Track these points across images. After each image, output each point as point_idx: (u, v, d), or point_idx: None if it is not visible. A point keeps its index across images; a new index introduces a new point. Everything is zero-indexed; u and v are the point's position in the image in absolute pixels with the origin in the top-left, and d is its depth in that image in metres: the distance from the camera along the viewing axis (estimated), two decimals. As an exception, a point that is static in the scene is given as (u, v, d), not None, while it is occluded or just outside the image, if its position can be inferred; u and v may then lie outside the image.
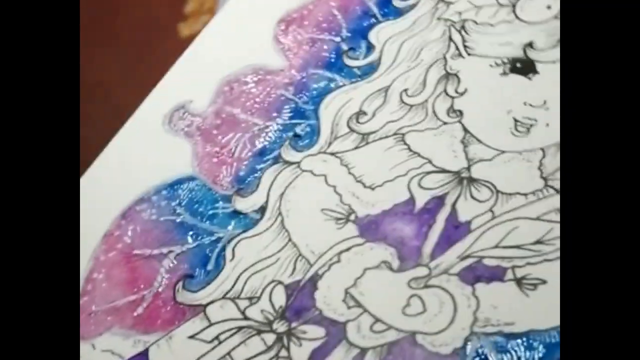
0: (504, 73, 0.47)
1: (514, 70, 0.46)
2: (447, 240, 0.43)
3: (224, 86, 0.51)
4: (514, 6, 0.48)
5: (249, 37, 0.52)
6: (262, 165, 0.48)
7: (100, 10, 0.57)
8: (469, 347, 0.39)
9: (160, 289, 0.46)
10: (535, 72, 0.46)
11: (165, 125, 0.50)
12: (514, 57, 0.47)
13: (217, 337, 0.42)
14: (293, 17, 0.52)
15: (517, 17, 0.48)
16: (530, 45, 0.47)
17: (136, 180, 0.49)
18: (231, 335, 0.42)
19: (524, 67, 0.46)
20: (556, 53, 0.46)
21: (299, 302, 0.43)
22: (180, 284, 0.45)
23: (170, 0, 0.65)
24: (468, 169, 0.45)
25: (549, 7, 0.47)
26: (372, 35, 0.50)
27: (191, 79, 0.51)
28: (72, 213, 0.37)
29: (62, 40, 0.37)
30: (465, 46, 0.48)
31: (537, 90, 0.46)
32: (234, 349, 0.42)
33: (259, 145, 0.49)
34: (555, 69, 0.46)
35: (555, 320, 0.38)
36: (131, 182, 0.49)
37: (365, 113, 0.48)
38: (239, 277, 0.44)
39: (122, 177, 0.49)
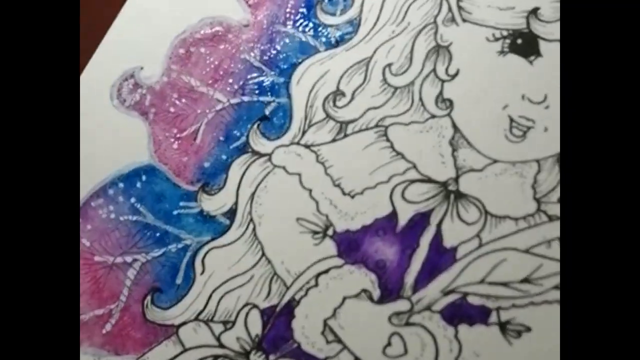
0: (502, 51, 0.61)
1: (513, 48, 0.61)
2: (431, 268, 0.61)
3: (178, 47, 0.67)
4: None
5: None
6: (228, 155, 0.66)
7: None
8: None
9: (127, 303, 0.65)
10: (538, 53, 0.61)
11: (113, 98, 0.67)
12: (515, 28, 0.61)
13: (192, 366, 0.57)
14: None
15: None
16: (534, 13, 0.60)
17: (88, 168, 0.67)
18: None
19: (525, 44, 0.61)
20: None
21: (276, 330, 0.63)
22: (149, 298, 0.64)
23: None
24: (456, 180, 0.61)
25: None
26: None
27: (138, 38, 0.68)
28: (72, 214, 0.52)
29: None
30: (459, 7, 0.62)
31: (538, 80, 0.60)
32: None
33: (223, 129, 0.66)
34: (559, 53, 0.59)
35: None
36: (83, 172, 0.66)
37: (343, 94, 0.64)
38: (211, 295, 0.64)
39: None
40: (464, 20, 0.64)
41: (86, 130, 0.69)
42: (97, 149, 0.69)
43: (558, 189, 0.61)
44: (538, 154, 0.62)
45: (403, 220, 0.64)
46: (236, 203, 0.67)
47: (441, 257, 0.63)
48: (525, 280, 0.61)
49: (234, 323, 0.65)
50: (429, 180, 0.64)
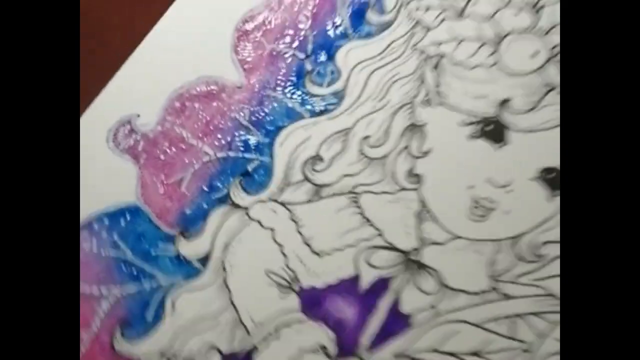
0: (472, 136, 0.60)
1: (482, 133, 0.60)
2: (386, 332, 0.59)
3: (174, 101, 0.65)
4: (497, 45, 0.60)
5: (205, 43, 0.66)
6: (209, 205, 0.63)
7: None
8: None
9: (98, 333, 0.62)
10: (503, 141, 0.60)
11: (109, 141, 0.65)
12: (486, 116, 0.60)
13: (154, 402, 0.56)
14: (255, 22, 0.67)
15: (497, 61, 0.61)
16: (506, 103, 0.60)
17: (81, 201, 0.63)
18: None
19: (493, 131, 0.60)
20: (532, 119, 0.59)
21: None
22: (118, 330, 0.62)
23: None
24: (418, 250, 0.59)
25: (534, 55, 0.61)
26: (340, 57, 0.64)
27: (139, 88, 0.66)
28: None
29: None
30: (437, 91, 0.60)
31: (503, 165, 0.59)
32: None
33: (207, 180, 0.64)
34: (528, 141, 0.59)
35: None
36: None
37: (321, 159, 0.62)
38: (178, 335, 0.61)
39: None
40: (440, 104, 0.63)
41: (81, 167, 0.67)
42: (88, 186, 0.67)
43: (514, 270, 0.61)
44: (498, 234, 0.61)
45: (365, 283, 0.62)
46: (211, 250, 0.64)
47: (397, 323, 0.61)
48: (475, 353, 0.59)
49: None
50: (393, 248, 0.62)
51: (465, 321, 0.59)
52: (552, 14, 0.61)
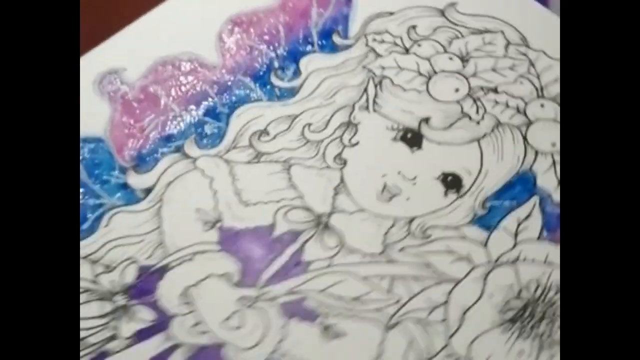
0: (394, 139, 0.71)
1: (403, 138, 0.71)
2: (285, 273, 0.67)
3: (158, 64, 0.75)
4: (429, 78, 0.73)
5: (197, 26, 0.77)
6: (164, 150, 0.72)
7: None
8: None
9: None
10: (419, 147, 0.71)
11: (95, 84, 0.74)
12: (408, 126, 0.71)
13: (67, 291, 0.62)
14: (242, 19, 0.77)
15: (427, 89, 0.73)
16: (426, 120, 0.71)
17: None
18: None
19: (412, 138, 0.71)
20: (444, 136, 0.71)
21: (144, 284, 0.67)
22: None
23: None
24: (329, 215, 0.69)
25: (456, 90, 0.73)
26: (303, 62, 0.75)
27: (132, 48, 0.76)
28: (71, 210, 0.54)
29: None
30: (374, 101, 0.72)
31: (414, 165, 0.70)
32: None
33: (168, 131, 0.73)
34: (437, 150, 0.71)
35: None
36: None
37: (268, 133, 0.72)
38: (104, 244, 0.68)
39: None
40: (375, 111, 0.75)
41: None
42: None
43: (403, 242, 0.70)
44: (396, 213, 0.71)
45: (278, 232, 0.70)
46: (154, 185, 0.72)
47: (296, 267, 0.69)
48: (356, 299, 0.68)
49: (113, 269, 0.69)
50: (308, 209, 0.71)
51: (353, 273, 0.68)
52: (474, 64, 0.76)
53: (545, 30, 0.77)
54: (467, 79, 0.74)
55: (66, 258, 0.53)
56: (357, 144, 0.73)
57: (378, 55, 0.77)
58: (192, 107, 0.76)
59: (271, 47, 0.78)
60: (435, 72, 0.75)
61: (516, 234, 0.70)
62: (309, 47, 0.78)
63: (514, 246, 0.69)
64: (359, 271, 0.69)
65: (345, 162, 0.73)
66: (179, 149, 0.74)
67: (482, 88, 0.74)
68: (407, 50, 0.76)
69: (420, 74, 0.75)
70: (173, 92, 0.76)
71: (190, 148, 0.74)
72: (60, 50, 0.56)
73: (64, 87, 0.56)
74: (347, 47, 0.78)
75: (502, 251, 0.69)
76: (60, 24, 0.56)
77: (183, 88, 0.76)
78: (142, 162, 0.73)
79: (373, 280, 0.68)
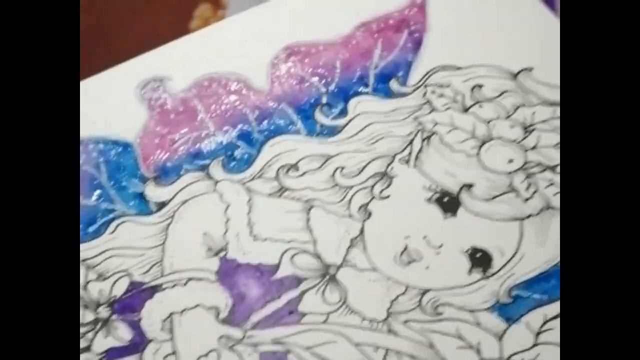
0: (429, 200, 0.64)
1: (438, 201, 0.64)
2: (277, 319, 0.61)
3: (204, 79, 0.71)
4: (483, 143, 0.66)
5: (252, 48, 0.72)
6: (189, 166, 0.68)
7: (101, 28, 0.78)
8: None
9: None
10: (454, 214, 0.64)
11: (138, 88, 0.70)
12: (447, 189, 0.64)
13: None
14: (300, 49, 0.72)
15: (478, 153, 0.65)
16: (469, 187, 0.64)
17: (88, 121, 0.69)
18: None
19: (448, 203, 0.64)
20: (484, 207, 0.63)
21: (131, 301, 0.62)
22: None
23: (176, 17, 0.85)
24: (338, 267, 0.62)
25: (510, 161, 0.65)
26: (352, 103, 0.69)
27: (182, 59, 0.72)
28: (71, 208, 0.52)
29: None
30: (417, 156, 0.65)
31: (444, 232, 0.63)
32: None
33: (197, 148, 0.68)
34: (473, 222, 0.63)
35: None
36: (84, 123, 0.69)
37: (297, 169, 0.66)
38: (104, 251, 0.64)
39: (82, 115, 0.68)
40: (415, 166, 0.68)
41: (106, 96, 0.74)
42: (106, 112, 0.74)
43: (410, 314, 0.63)
44: (409, 281, 0.64)
45: (280, 274, 0.65)
46: (170, 200, 0.68)
47: (289, 316, 0.63)
48: None
49: (105, 278, 0.65)
50: (318, 257, 0.65)
51: (347, 337, 0.62)
52: (537, 137, 0.67)
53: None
54: (525, 151, 0.67)
55: (65, 260, 0.52)
56: (387, 197, 0.67)
57: (433, 109, 0.70)
58: (228, 128, 0.71)
59: (323, 82, 0.73)
60: (491, 138, 0.67)
61: (538, 333, 0.62)
62: (362, 88, 0.72)
63: (533, 346, 0.61)
64: (354, 335, 0.62)
65: (369, 215, 0.66)
66: (203, 168, 0.69)
67: (539, 164, 0.67)
68: (466, 110, 0.70)
69: (474, 137, 0.68)
70: (212, 110, 0.72)
71: (216, 169, 0.69)
72: (59, 51, 0.54)
73: (64, 89, 0.54)
74: (403, 94, 0.72)
75: (518, 349, 0.61)
76: (59, 22, 0.55)
77: (223, 107, 0.72)
78: (164, 175, 0.69)
79: (366, 349, 0.62)
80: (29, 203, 0.51)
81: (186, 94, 0.72)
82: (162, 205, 0.68)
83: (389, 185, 0.67)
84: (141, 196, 0.68)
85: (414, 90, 0.71)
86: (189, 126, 0.71)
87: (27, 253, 0.50)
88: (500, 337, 0.61)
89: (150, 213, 0.68)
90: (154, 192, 0.69)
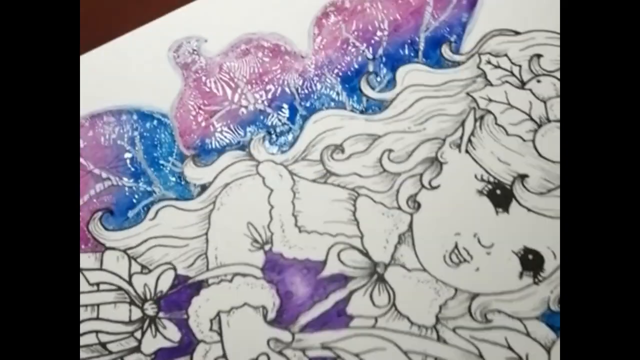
0: (481, 192, 0.60)
1: (490, 194, 0.60)
2: (324, 322, 0.59)
3: (242, 42, 0.66)
4: (540, 126, 0.61)
5: (293, 4, 0.67)
6: (228, 144, 0.64)
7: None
8: None
9: (81, 209, 0.63)
10: (506, 210, 0.60)
11: (171, 51, 0.66)
12: (501, 180, 0.60)
13: (97, 284, 0.62)
14: (344, 6, 0.67)
15: (534, 139, 0.61)
16: (523, 178, 0.60)
17: (119, 89, 0.66)
18: (109, 290, 0.62)
19: (500, 197, 0.60)
20: (540, 203, 0.59)
21: (178, 297, 0.61)
22: (99, 214, 0.63)
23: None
24: (386, 266, 0.60)
25: None
26: (401, 72, 0.65)
27: (216, 17, 0.67)
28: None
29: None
30: (470, 140, 0.61)
31: (496, 230, 0.59)
32: (104, 303, 0.61)
33: (237, 122, 0.64)
34: (526, 219, 0.60)
35: None
36: (114, 88, 0.65)
37: (342, 151, 0.63)
38: (147, 240, 0.62)
39: (110, 79, 0.66)
40: (467, 151, 0.63)
41: (136, 58, 0.69)
42: (136, 80, 0.68)
43: (459, 320, 0.60)
44: (458, 284, 0.61)
45: (327, 272, 0.62)
46: (211, 183, 0.65)
47: (338, 318, 0.61)
48: None
49: (150, 271, 0.63)
50: (366, 254, 0.62)
51: (396, 344, 0.60)
52: None
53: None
54: None
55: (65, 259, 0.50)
56: (437, 187, 0.63)
57: (488, 83, 0.65)
58: (269, 99, 0.67)
59: (370, 47, 0.68)
60: (548, 121, 0.63)
61: None
62: (412, 55, 0.67)
63: None
64: (403, 342, 0.60)
65: (419, 207, 0.63)
66: (244, 146, 0.66)
67: None
68: (523, 84, 0.64)
69: (531, 119, 0.63)
70: (251, 78, 0.67)
71: (257, 148, 0.66)
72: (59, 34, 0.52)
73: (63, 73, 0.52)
74: (456, 64, 0.67)
75: None
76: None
77: (263, 74, 0.68)
78: (203, 153, 0.66)
79: (415, 357, 0.59)
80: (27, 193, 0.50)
81: (223, 58, 0.68)
82: (202, 188, 0.65)
83: (439, 174, 0.63)
84: (180, 177, 0.65)
85: (468, 59, 0.66)
86: (227, 97, 0.67)
87: (26, 249, 0.50)
88: (549, 349, 0.59)
89: (191, 197, 0.65)
90: (194, 174, 0.65)
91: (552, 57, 0.64)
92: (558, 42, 0.64)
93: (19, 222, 0.49)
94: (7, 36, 0.50)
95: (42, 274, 0.49)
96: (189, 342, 0.61)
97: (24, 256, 0.49)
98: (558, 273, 0.59)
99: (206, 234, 0.63)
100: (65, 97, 0.51)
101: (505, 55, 0.65)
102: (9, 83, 0.49)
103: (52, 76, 0.50)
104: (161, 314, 0.61)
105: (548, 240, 0.60)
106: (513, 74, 0.64)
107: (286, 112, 0.66)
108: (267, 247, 0.62)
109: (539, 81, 0.63)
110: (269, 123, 0.66)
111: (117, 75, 0.67)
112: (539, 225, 0.60)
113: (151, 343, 0.61)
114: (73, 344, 0.50)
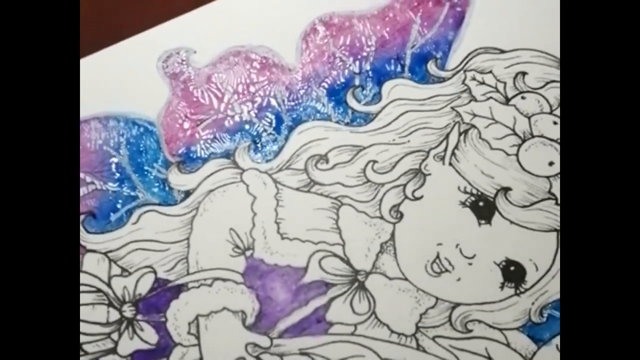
0: (463, 203, 0.61)
1: (473, 206, 0.61)
2: (303, 327, 0.59)
3: (230, 54, 0.67)
4: (523, 141, 0.62)
5: (282, 20, 0.67)
6: (214, 152, 0.64)
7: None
8: None
9: None
10: (489, 221, 0.61)
11: (160, 61, 0.67)
12: (483, 193, 0.61)
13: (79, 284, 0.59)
14: (333, 22, 0.67)
15: (517, 153, 0.62)
16: (506, 191, 0.61)
17: (107, 96, 0.66)
18: (88, 292, 0.61)
19: (483, 209, 0.61)
20: (522, 215, 0.60)
21: (157, 300, 0.61)
22: (81, 218, 0.63)
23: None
24: (368, 274, 0.60)
25: (550, 164, 0.61)
26: (387, 87, 0.65)
27: (206, 30, 0.67)
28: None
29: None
30: (453, 152, 0.62)
31: (478, 241, 0.60)
32: (82, 304, 0.61)
33: (223, 131, 0.65)
34: (508, 231, 0.60)
35: None
36: (103, 95, 0.66)
37: (327, 161, 0.63)
38: (128, 243, 0.62)
39: (99, 86, 0.66)
40: (450, 164, 0.63)
41: (126, 67, 0.69)
42: (127, 85, 0.68)
43: (439, 330, 0.61)
44: (439, 293, 0.62)
45: (308, 279, 0.62)
46: (195, 189, 0.65)
47: (317, 325, 0.61)
48: None
49: (130, 274, 0.63)
50: (347, 262, 0.62)
51: (375, 351, 0.60)
52: None
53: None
54: None
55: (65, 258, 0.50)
56: (420, 198, 0.63)
57: (473, 98, 0.65)
58: (255, 109, 0.67)
59: (357, 61, 0.68)
60: (532, 136, 0.63)
61: None
62: (398, 70, 0.68)
63: None
64: (381, 350, 0.60)
65: (401, 217, 0.63)
66: (229, 155, 0.66)
67: None
68: (507, 101, 0.65)
69: (515, 134, 0.64)
70: (238, 89, 0.68)
71: (242, 156, 0.66)
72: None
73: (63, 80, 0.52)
74: (442, 79, 0.67)
75: None
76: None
77: (250, 86, 0.68)
78: (188, 160, 0.66)
79: None
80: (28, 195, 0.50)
81: (211, 69, 0.68)
82: (186, 194, 0.65)
83: (422, 185, 0.63)
84: (164, 183, 0.65)
85: (453, 75, 0.67)
86: (214, 107, 0.67)
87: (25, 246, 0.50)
88: (529, 359, 0.59)
89: (174, 203, 0.65)
90: (178, 180, 0.65)
91: (536, 75, 0.65)
92: (543, 61, 0.66)
93: (19, 222, 0.49)
94: (7, 40, 0.51)
95: (42, 274, 0.49)
96: (166, 345, 0.61)
97: (24, 256, 0.49)
98: (540, 285, 0.60)
99: (188, 238, 0.63)
100: (66, 100, 0.52)
101: (490, 72, 0.66)
102: (10, 87, 0.50)
103: (53, 81, 0.51)
104: (139, 317, 0.61)
105: (530, 252, 0.61)
106: (498, 91, 0.65)
107: (272, 123, 0.66)
108: (248, 253, 0.62)
109: (523, 97, 0.64)
110: (255, 132, 0.66)
111: (106, 83, 0.67)
112: (522, 237, 0.61)
113: (128, 345, 0.61)
114: (73, 343, 0.50)
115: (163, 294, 0.62)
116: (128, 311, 0.62)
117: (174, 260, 0.63)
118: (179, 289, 0.62)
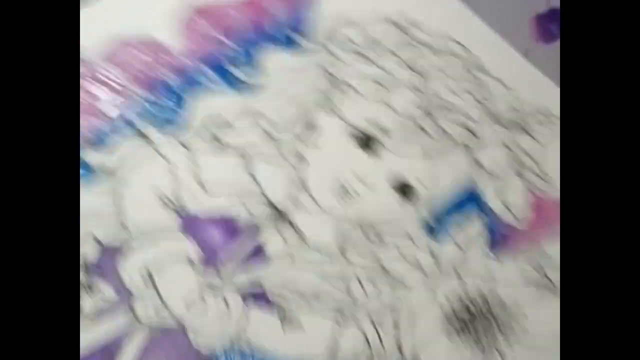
0: (354, 144, 0.74)
1: (361, 142, 0.74)
2: (247, 262, 0.67)
3: (120, 44, 0.74)
4: (389, 90, 0.77)
5: (160, 11, 0.76)
6: (123, 130, 0.71)
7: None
8: (222, 356, 0.64)
9: None
10: (378, 155, 0.74)
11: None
12: (368, 134, 0.74)
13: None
14: (208, 10, 0.77)
15: (387, 100, 0.76)
16: (385, 131, 0.75)
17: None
18: None
19: (371, 145, 0.74)
20: (402, 148, 0.74)
21: (106, 262, 0.65)
22: None
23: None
24: (291, 212, 0.70)
25: (415, 105, 0.75)
26: (265, 58, 0.77)
27: (93, 27, 0.74)
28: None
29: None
30: (336, 106, 0.75)
31: (371, 170, 0.74)
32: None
33: (128, 112, 0.71)
34: (394, 161, 0.74)
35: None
36: None
37: (232, 127, 0.72)
38: None
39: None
40: (337, 114, 0.77)
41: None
42: None
43: (359, 247, 0.72)
44: (353, 217, 0.74)
45: (242, 224, 0.71)
46: (115, 166, 0.70)
47: (257, 257, 0.70)
48: (315, 295, 0.69)
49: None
50: (271, 205, 0.71)
51: (313, 271, 0.69)
52: (434, 83, 0.80)
53: (504, 60, 0.82)
54: (426, 95, 0.76)
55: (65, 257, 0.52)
56: (318, 145, 0.74)
57: (342, 62, 0.78)
58: (152, 89, 0.74)
59: (233, 40, 0.78)
60: (395, 85, 0.76)
61: (465, 249, 0.72)
62: (272, 45, 0.78)
63: (463, 261, 0.72)
64: (319, 269, 0.69)
65: (306, 162, 0.73)
66: (141, 133, 0.71)
67: (441, 106, 0.76)
68: (370, 61, 0.78)
69: (382, 86, 0.76)
70: (133, 74, 0.74)
71: (151, 132, 0.72)
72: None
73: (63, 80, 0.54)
74: (310, 50, 0.78)
75: (453, 264, 0.72)
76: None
77: (143, 70, 0.74)
78: (102, 137, 0.71)
79: (331, 280, 0.69)
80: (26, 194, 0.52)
81: (104, 62, 0.73)
82: (109, 171, 0.69)
83: (317, 135, 0.74)
84: (85, 164, 0.69)
85: (320, 45, 0.78)
86: (114, 91, 0.73)
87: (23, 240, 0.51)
88: (435, 255, 0.72)
89: (97, 179, 0.69)
90: (96, 159, 0.70)
91: (393, 40, 0.79)
92: (392, 28, 0.80)
93: (18, 222, 0.50)
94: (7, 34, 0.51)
95: (41, 274, 0.51)
96: (127, 299, 0.65)
97: (23, 256, 0.50)
98: (429, 197, 0.74)
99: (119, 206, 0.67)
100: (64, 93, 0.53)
101: (350, 40, 0.78)
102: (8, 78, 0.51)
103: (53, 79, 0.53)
104: (95, 280, 0.65)
105: (414, 174, 0.75)
106: (361, 54, 0.78)
107: (171, 99, 0.73)
108: (182, 213, 0.68)
109: (381, 56, 0.78)
110: (157, 109, 0.73)
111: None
112: (406, 164, 0.75)
113: (92, 306, 0.65)
114: (73, 344, 0.51)
115: (110, 256, 0.66)
116: (83, 278, 0.64)
117: (112, 225, 0.67)
118: (124, 251, 0.66)
